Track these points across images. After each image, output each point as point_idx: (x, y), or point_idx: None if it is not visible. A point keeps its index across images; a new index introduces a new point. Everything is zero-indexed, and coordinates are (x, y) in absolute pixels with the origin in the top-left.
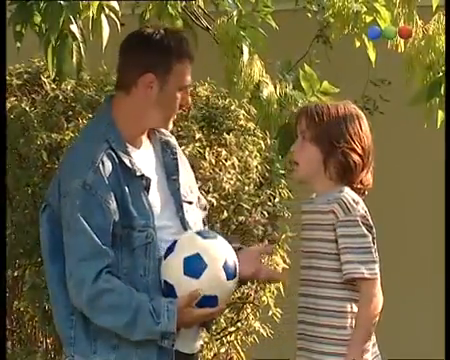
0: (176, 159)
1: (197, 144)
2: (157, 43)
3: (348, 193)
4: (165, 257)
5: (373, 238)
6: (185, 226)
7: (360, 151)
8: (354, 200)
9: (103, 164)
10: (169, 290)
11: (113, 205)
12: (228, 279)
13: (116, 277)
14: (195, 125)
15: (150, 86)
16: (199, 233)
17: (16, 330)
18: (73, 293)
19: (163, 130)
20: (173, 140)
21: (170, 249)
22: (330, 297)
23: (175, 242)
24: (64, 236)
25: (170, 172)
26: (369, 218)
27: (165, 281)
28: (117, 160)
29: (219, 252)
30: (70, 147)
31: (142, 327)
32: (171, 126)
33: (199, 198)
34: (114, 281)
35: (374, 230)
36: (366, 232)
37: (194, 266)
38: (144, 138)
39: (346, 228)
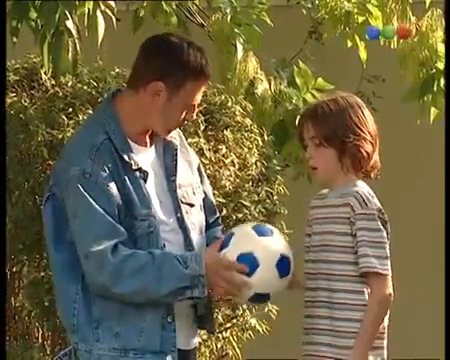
0: (175, 160)
1: (202, 140)
2: (177, 56)
3: (363, 187)
4: (220, 250)
5: (387, 233)
6: (183, 227)
7: (369, 138)
8: (369, 193)
9: (101, 153)
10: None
11: (115, 191)
12: (281, 277)
13: None
14: (200, 117)
15: (158, 94)
16: (255, 228)
17: (13, 326)
18: (94, 272)
19: None
20: (176, 141)
21: (225, 243)
22: (345, 290)
23: (231, 235)
24: (72, 225)
25: (169, 173)
26: (384, 212)
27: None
28: (115, 152)
29: (273, 250)
30: (70, 137)
31: (170, 276)
32: (170, 135)
33: (205, 200)
34: (132, 249)
35: (388, 225)
36: (381, 227)
37: (247, 264)
38: (147, 137)
39: (365, 221)
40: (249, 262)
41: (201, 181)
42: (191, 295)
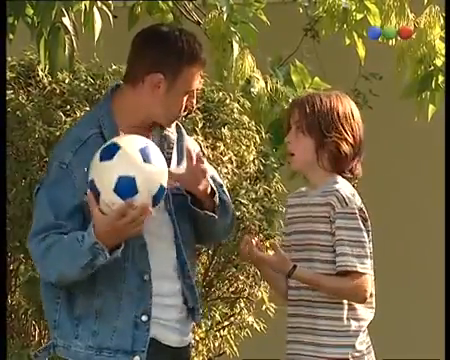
0: (170, 154)
1: (200, 137)
2: (170, 44)
3: (345, 185)
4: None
5: (368, 231)
6: (172, 219)
7: (351, 140)
8: (350, 192)
9: (86, 146)
10: (91, 186)
11: (86, 188)
12: (145, 162)
13: None
14: (198, 115)
15: (158, 86)
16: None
17: (9, 324)
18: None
19: None
20: (173, 136)
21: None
22: None
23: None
24: None
25: None
26: (365, 211)
27: (90, 180)
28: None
29: (137, 140)
30: (66, 131)
31: (75, 256)
32: (173, 126)
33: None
34: (61, 235)
35: (369, 223)
36: (362, 226)
37: (108, 151)
38: (144, 131)
39: (344, 220)
40: (110, 149)
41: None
42: (100, 263)
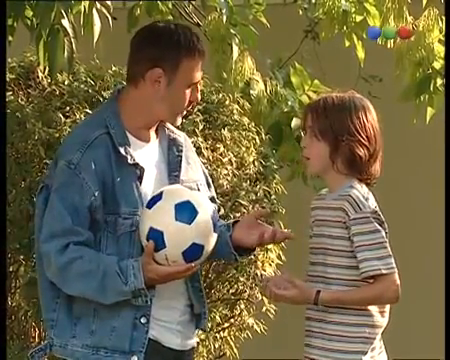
0: (180, 157)
1: (199, 139)
2: (166, 38)
3: (358, 189)
4: (150, 206)
5: (386, 233)
6: None
7: (366, 142)
8: (363, 196)
9: (94, 147)
10: (156, 236)
11: (95, 189)
12: (214, 231)
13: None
14: (199, 117)
15: (158, 81)
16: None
17: (9, 325)
18: (45, 267)
19: (172, 127)
20: (181, 139)
21: (155, 199)
22: None
23: (161, 193)
24: None
25: (172, 169)
26: (380, 213)
27: (152, 228)
28: (112, 146)
29: (206, 202)
30: (69, 132)
31: (112, 290)
32: (179, 121)
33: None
34: (83, 250)
35: (385, 225)
36: (379, 227)
37: (185, 213)
38: (151, 132)
39: (359, 225)
40: (188, 210)
41: (209, 188)
42: (135, 303)
